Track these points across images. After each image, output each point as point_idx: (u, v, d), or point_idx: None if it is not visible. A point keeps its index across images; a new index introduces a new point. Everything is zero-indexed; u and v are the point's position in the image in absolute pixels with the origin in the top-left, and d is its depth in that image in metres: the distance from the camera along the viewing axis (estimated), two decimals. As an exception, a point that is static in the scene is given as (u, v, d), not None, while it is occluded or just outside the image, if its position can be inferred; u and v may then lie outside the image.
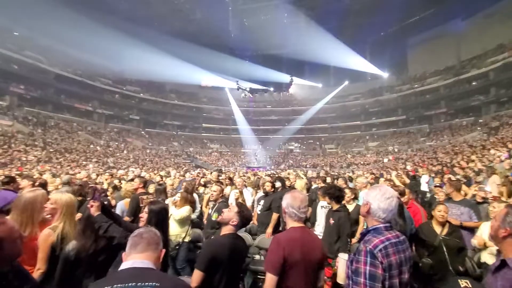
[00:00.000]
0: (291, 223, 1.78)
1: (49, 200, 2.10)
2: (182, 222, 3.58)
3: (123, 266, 1.13)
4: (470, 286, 1.38)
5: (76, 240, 1.90)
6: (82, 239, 1.88)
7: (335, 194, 3.52)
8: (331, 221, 3.40)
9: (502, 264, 1.31)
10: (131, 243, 1.20)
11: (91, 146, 25.98)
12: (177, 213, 3.54)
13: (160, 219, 2.18)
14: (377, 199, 1.43)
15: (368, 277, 1.28)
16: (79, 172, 9.53)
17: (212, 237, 2.08)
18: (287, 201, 1.78)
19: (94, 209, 2.07)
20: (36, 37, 28.04)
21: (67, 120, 29.24)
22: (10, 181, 3.34)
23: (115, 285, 1.00)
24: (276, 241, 1.68)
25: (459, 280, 1.37)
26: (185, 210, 3.59)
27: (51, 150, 20.95)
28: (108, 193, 5.08)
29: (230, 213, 2.03)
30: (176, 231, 3.46)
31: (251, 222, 4.90)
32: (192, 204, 3.90)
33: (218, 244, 1.95)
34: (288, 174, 11.54)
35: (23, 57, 26.68)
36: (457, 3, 26.26)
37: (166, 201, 3.94)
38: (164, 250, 1.27)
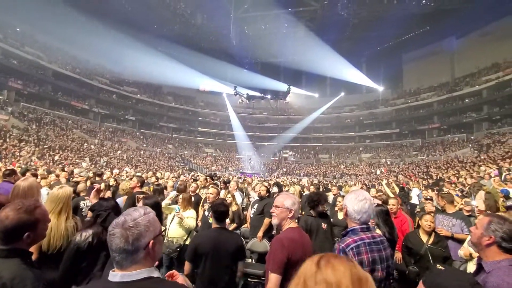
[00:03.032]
0: (287, 224, 1.85)
1: None
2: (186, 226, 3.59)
3: (112, 277, 0.92)
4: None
5: (91, 229, 1.94)
6: (95, 227, 1.94)
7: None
8: (324, 226, 3.46)
9: (479, 268, 1.39)
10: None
11: (85, 144, 25.73)
12: (186, 222, 3.53)
13: None
14: (351, 202, 1.57)
15: None
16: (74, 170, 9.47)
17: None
18: (291, 200, 1.85)
19: (93, 194, 2.14)
20: (37, 34, 28.12)
21: (62, 117, 28.96)
22: (12, 173, 3.42)
23: None
24: (279, 242, 1.74)
25: (437, 266, 1.48)
26: (192, 220, 3.58)
27: (45, 146, 20.71)
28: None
29: None
30: (179, 234, 3.50)
31: (245, 226, 4.98)
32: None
33: (201, 237, 2.21)
34: (282, 181, 11.71)
35: (23, 53, 26.61)
36: (452, 22, 26.92)
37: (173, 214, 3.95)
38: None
